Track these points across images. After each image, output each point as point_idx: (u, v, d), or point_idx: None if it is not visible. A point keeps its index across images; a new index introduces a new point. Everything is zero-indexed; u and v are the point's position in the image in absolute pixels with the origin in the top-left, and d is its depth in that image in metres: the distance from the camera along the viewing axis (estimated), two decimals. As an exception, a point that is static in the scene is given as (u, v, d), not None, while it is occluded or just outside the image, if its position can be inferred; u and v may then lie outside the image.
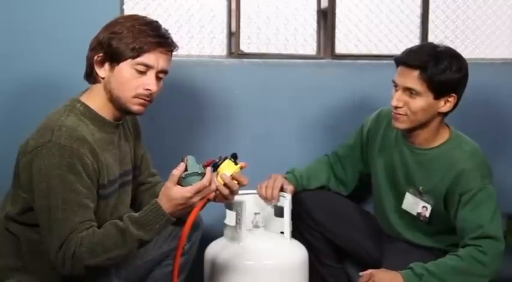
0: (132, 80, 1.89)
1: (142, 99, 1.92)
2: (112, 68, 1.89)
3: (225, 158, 1.99)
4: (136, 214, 1.84)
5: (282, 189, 2.43)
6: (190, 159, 1.88)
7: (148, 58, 1.89)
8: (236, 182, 1.95)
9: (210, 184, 1.84)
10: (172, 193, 1.81)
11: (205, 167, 1.90)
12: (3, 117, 2.50)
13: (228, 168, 1.97)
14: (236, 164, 1.99)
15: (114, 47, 1.87)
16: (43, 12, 2.50)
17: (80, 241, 1.80)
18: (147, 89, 1.91)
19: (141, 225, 1.81)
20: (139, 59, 1.88)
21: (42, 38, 2.49)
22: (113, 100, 1.93)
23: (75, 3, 2.50)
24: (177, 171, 1.83)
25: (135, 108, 1.93)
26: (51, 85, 2.50)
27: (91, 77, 1.94)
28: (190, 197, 1.82)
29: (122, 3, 2.69)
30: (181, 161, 1.86)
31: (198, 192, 1.82)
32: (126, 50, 1.87)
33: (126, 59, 1.88)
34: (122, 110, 1.96)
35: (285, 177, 2.49)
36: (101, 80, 1.92)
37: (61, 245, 1.80)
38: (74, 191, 1.80)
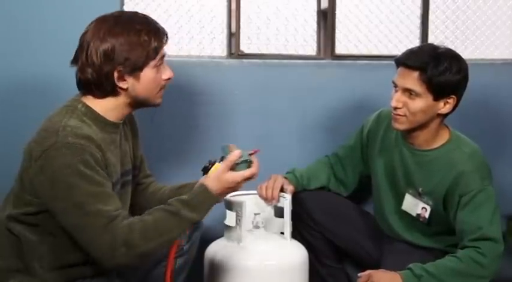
0: (156, 78, 1.93)
1: (163, 88, 1.98)
2: (136, 77, 1.89)
3: (214, 162, 2.04)
4: (184, 197, 1.89)
5: (282, 190, 2.43)
6: (234, 147, 2.00)
7: (162, 52, 1.93)
8: None
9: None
10: (226, 177, 1.92)
11: (250, 155, 2.01)
12: (2, 117, 2.50)
13: None
14: None
15: (133, 59, 1.86)
16: (42, 12, 2.50)
17: (129, 228, 1.79)
18: (168, 78, 1.96)
19: (192, 207, 1.86)
20: (157, 57, 1.91)
21: (41, 37, 2.50)
22: (136, 102, 1.94)
23: (75, 3, 2.51)
24: (234, 157, 1.95)
25: (159, 100, 1.99)
26: (50, 85, 2.50)
27: (108, 92, 1.90)
28: (240, 182, 1.95)
29: (122, 4, 2.70)
30: (224, 149, 2.00)
31: (247, 179, 1.96)
32: (148, 55, 1.88)
33: (148, 64, 1.89)
34: (143, 106, 1.98)
35: (285, 178, 2.49)
36: (122, 91, 1.90)
37: (102, 236, 1.77)
38: (97, 183, 1.80)
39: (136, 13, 1.96)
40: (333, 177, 2.60)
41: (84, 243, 1.81)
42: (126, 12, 1.97)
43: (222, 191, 1.93)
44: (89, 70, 1.87)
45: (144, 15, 1.95)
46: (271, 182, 2.42)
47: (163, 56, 1.93)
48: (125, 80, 1.89)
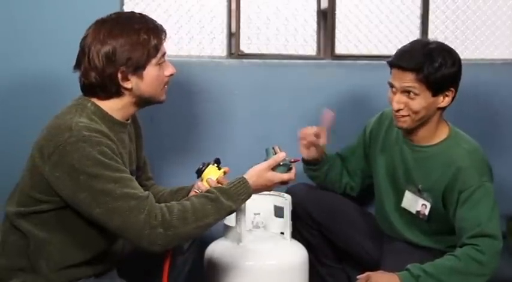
0: (159, 75, 1.95)
1: (167, 84, 2.00)
2: (140, 76, 1.91)
3: (208, 164, 2.10)
4: (223, 186, 1.95)
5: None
6: (278, 149, 2.08)
7: (162, 49, 1.94)
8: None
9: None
10: (266, 175, 2.01)
11: (291, 162, 2.09)
12: (3, 116, 2.50)
13: (212, 173, 2.10)
14: (219, 168, 2.11)
15: (135, 58, 1.88)
16: (43, 12, 2.51)
17: (167, 210, 1.81)
18: (170, 74, 1.98)
19: (230, 196, 1.91)
20: (159, 55, 1.93)
21: (42, 37, 2.51)
22: (141, 101, 1.96)
23: (75, 3, 2.52)
24: (279, 158, 2.03)
25: (163, 97, 2.01)
26: (50, 85, 2.51)
27: (113, 93, 1.91)
28: (276, 183, 2.03)
29: (122, 4, 2.70)
30: (273, 150, 2.08)
31: (283, 182, 2.05)
32: (149, 53, 1.89)
33: (150, 62, 1.91)
34: (148, 104, 2.00)
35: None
36: (127, 91, 1.92)
37: (137, 215, 1.77)
38: (117, 170, 1.81)
39: (133, 13, 1.98)
40: (345, 170, 2.61)
41: (117, 228, 1.80)
42: (124, 13, 1.98)
43: (258, 186, 2.00)
44: (92, 74, 1.88)
45: (141, 14, 1.96)
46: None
47: (164, 53, 1.95)
48: (128, 80, 1.90)
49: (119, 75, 1.88)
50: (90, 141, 1.79)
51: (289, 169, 2.07)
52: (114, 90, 1.91)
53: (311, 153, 2.49)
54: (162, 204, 1.84)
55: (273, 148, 2.09)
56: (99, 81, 1.88)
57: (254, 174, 1.99)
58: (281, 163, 2.04)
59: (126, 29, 1.88)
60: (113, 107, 1.94)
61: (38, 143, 1.85)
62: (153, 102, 2.00)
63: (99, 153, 1.78)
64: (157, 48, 1.91)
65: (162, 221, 1.79)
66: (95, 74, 1.88)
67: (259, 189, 2.02)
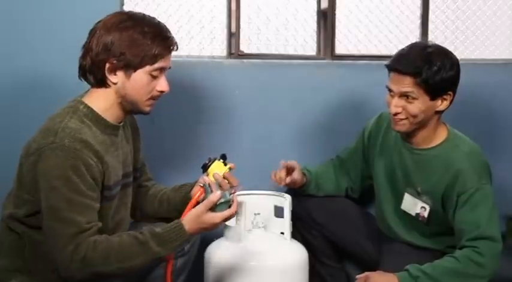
0: (148, 85, 1.92)
1: (155, 99, 1.97)
2: (128, 75, 1.90)
3: (215, 159, 2.07)
4: (158, 229, 1.87)
5: (290, 173, 2.44)
6: (214, 185, 1.96)
7: (164, 62, 1.92)
8: (227, 182, 2.01)
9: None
10: (205, 217, 1.88)
11: (231, 194, 1.97)
12: (2, 117, 2.50)
13: (218, 169, 2.05)
14: (225, 164, 2.07)
15: (129, 56, 1.87)
16: (43, 12, 2.51)
17: (93, 246, 1.79)
18: (162, 91, 1.95)
19: (162, 241, 1.85)
20: (156, 65, 1.90)
21: (41, 37, 2.51)
22: (126, 103, 1.94)
23: (75, 3, 2.52)
24: (215, 198, 1.89)
25: (148, 109, 1.97)
26: (50, 85, 2.51)
27: (98, 81, 1.92)
28: (218, 223, 1.91)
29: (122, 4, 2.70)
30: (207, 188, 1.96)
31: (225, 219, 1.92)
32: (144, 58, 1.88)
33: (143, 67, 1.89)
34: (132, 111, 1.99)
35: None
36: (112, 85, 1.91)
37: (67, 245, 1.78)
38: (78, 191, 1.80)
39: (153, 18, 1.96)
40: (340, 178, 2.60)
41: (48, 247, 1.83)
42: (146, 15, 1.96)
43: (197, 230, 1.90)
44: (88, 56, 1.90)
45: (160, 23, 1.95)
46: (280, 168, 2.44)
47: (163, 68, 1.93)
48: (115, 75, 1.90)
49: (107, 65, 1.88)
50: (67, 151, 1.79)
51: (230, 204, 1.94)
52: (98, 78, 1.90)
53: (292, 186, 2.48)
54: (92, 239, 1.80)
55: (209, 185, 1.96)
56: (89, 65, 1.90)
57: (191, 218, 1.89)
58: (219, 202, 1.90)
59: (134, 27, 1.88)
60: (104, 106, 1.93)
61: (28, 143, 1.87)
62: (136, 110, 1.97)
63: (70, 167, 1.78)
64: (156, 58, 1.89)
65: (83, 257, 1.78)
66: (89, 57, 1.89)
67: (198, 232, 1.93)
